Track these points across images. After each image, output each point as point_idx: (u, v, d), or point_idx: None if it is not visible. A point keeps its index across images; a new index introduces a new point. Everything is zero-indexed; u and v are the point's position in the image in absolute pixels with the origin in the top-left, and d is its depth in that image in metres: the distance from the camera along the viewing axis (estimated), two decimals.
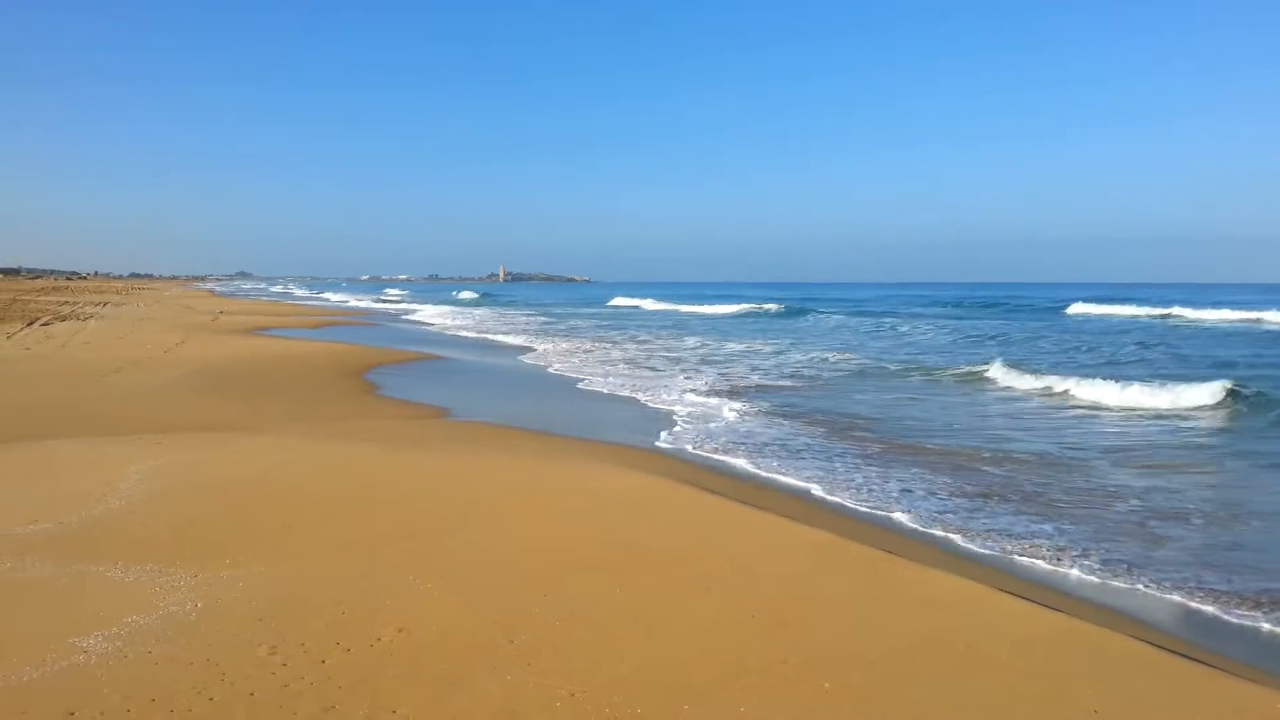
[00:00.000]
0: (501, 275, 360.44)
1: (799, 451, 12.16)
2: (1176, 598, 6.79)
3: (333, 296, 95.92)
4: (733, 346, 31.41)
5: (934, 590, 6.44)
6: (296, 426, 13.17)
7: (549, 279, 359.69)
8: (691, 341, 33.78)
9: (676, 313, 65.28)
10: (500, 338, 36.24)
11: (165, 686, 4.72)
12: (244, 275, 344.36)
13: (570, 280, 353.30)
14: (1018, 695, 4.80)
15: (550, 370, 23.22)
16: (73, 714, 4.42)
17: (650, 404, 16.77)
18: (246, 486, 9.08)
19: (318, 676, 4.88)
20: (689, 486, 9.62)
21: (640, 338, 36.29)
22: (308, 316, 49.37)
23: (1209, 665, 5.38)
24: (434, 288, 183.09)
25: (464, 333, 39.76)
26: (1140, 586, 7.03)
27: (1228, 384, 16.95)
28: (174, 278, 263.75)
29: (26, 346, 24.50)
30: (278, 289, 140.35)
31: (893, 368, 23.73)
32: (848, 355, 27.12)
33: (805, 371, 22.91)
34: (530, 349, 30.16)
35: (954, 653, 5.31)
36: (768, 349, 29.89)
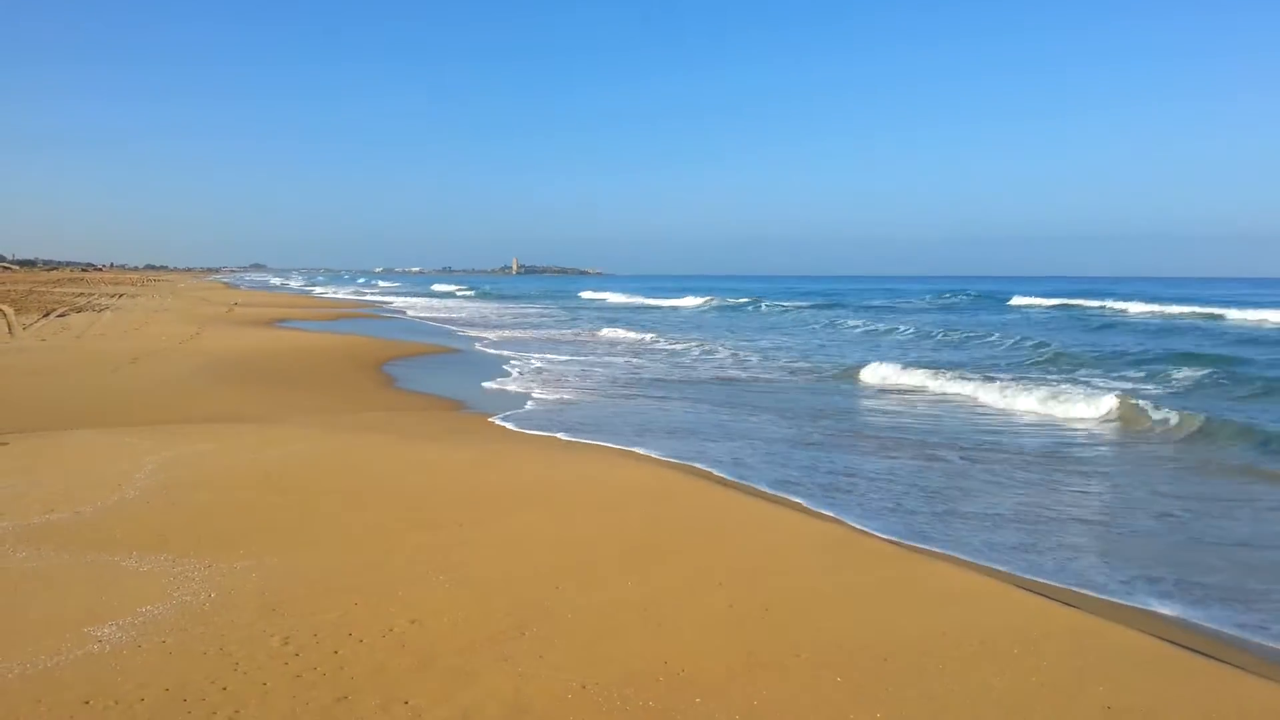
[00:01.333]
0: (515, 268, 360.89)
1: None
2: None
3: (317, 289, 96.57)
4: (633, 337, 32.25)
5: (947, 585, 6.42)
6: (310, 418, 13.22)
7: (562, 271, 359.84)
8: (607, 332, 35.18)
9: (629, 305, 65.82)
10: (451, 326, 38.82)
11: (179, 676, 4.74)
12: (258, 267, 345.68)
13: (584, 273, 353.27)
14: (1031, 691, 4.77)
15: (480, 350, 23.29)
16: (88, 703, 4.45)
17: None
18: (260, 477, 9.12)
19: (330, 667, 4.89)
20: (702, 480, 9.61)
21: (554, 331, 36.81)
22: (320, 309, 49.58)
23: (1224, 662, 5.34)
24: (423, 279, 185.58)
25: (430, 321, 42.79)
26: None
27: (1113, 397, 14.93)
28: (189, 269, 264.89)
29: (43, 338, 24.68)
30: (276, 281, 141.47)
31: (773, 364, 23.17)
32: (739, 352, 26.27)
33: (673, 374, 21.09)
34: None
35: (967, 648, 5.29)
36: (672, 345, 28.93)
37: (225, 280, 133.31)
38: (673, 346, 28.56)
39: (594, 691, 4.68)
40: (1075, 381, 18.77)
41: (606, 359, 24.59)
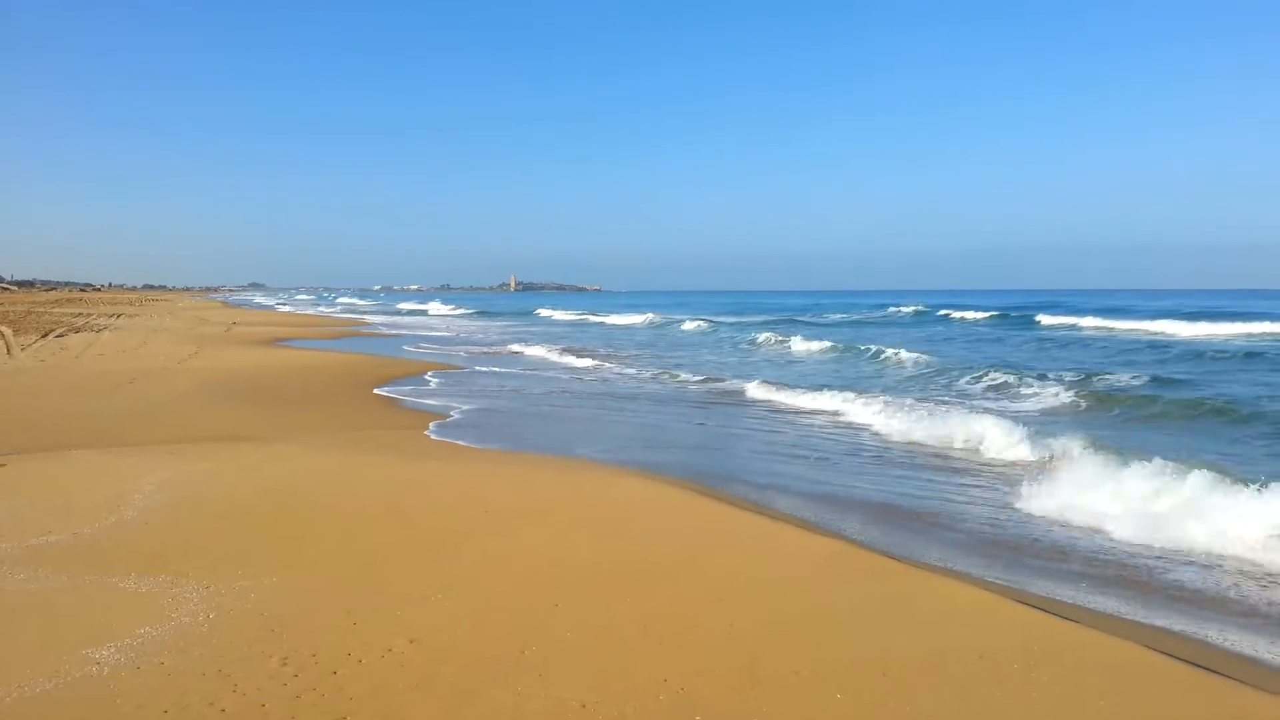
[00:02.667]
0: (513, 285, 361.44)
1: None
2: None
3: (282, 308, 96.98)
4: (539, 354, 32.47)
5: (947, 600, 6.41)
6: (308, 437, 13.21)
7: (560, 288, 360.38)
8: (515, 346, 36.48)
9: (573, 321, 67.09)
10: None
11: (177, 698, 4.73)
12: (256, 286, 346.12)
13: (582, 290, 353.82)
14: (1032, 707, 4.76)
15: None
16: None
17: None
18: (258, 497, 9.11)
19: (329, 687, 4.88)
20: (701, 496, 9.60)
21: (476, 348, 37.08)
22: (316, 327, 49.63)
23: (1225, 675, 5.32)
24: (401, 297, 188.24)
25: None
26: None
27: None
28: (187, 289, 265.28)
29: (41, 358, 24.67)
30: (273, 300, 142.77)
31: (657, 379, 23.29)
32: (631, 368, 26.25)
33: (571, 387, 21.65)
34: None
35: (967, 663, 5.28)
36: (574, 363, 28.95)
37: (223, 299, 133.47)
38: (579, 363, 28.68)
39: (594, 710, 4.67)
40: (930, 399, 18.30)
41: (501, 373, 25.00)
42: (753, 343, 38.84)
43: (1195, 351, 28.13)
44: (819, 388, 19.28)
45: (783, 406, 17.98)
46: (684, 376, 23.53)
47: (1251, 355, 26.49)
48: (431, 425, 14.82)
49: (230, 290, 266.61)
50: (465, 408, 17.20)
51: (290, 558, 7.16)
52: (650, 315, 65.33)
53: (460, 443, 13.21)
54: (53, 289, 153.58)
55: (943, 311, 62.22)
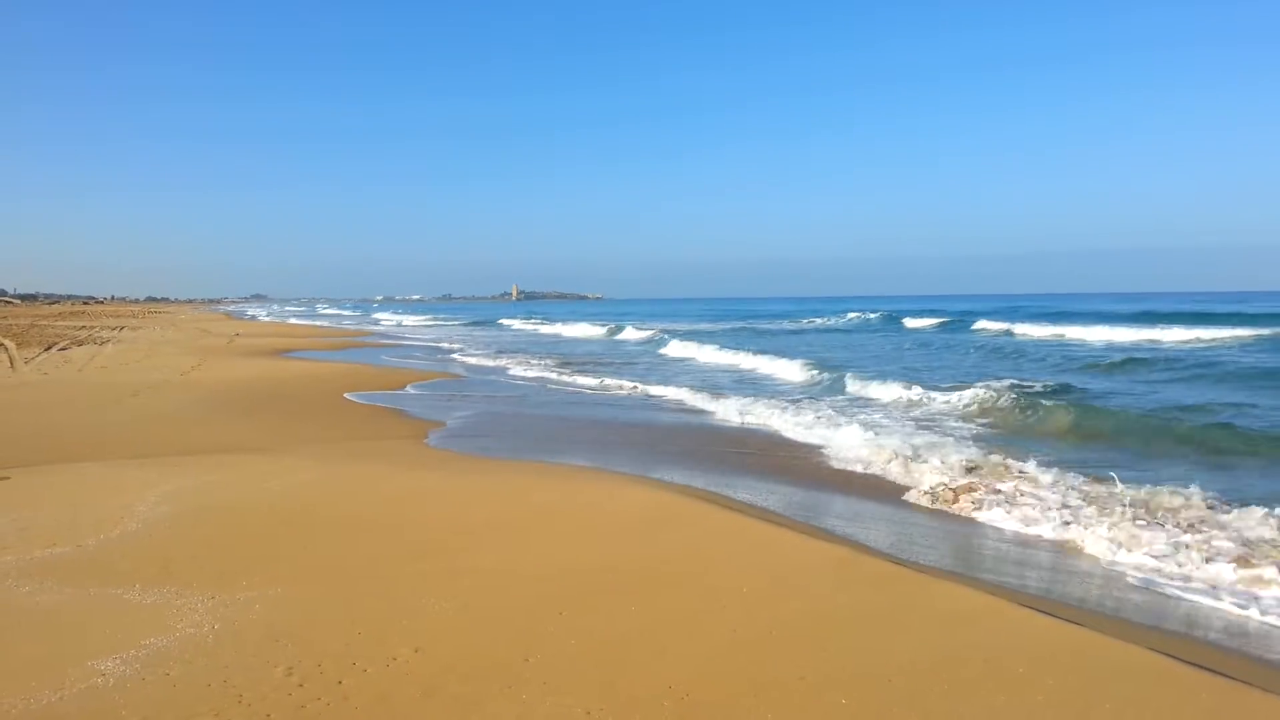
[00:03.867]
0: (514, 294, 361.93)
1: None
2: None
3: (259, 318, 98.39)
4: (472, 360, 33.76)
5: (951, 604, 6.41)
6: (312, 448, 13.23)
7: (561, 297, 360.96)
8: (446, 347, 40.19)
9: (526, 331, 67.75)
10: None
11: (183, 709, 4.73)
12: (259, 298, 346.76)
13: (583, 298, 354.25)
14: (1037, 710, 4.76)
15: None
16: None
17: None
18: (263, 508, 9.13)
19: (334, 697, 4.89)
20: (704, 502, 9.60)
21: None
22: (319, 338, 49.69)
23: (1229, 677, 5.32)
24: (422, 307, 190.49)
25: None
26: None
27: None
28: (190, 301, 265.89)
29: (45, 371, 24.72)
30: (255, 310, 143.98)
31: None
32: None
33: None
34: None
35: (973, 668, 5.28)
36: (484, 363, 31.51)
37: (226, 311, 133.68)
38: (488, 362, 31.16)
39: (599, 718, 4.67)
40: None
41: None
42: (659, 351, 40.30)
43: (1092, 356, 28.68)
44: (662, 381, 24.45)
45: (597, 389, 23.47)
46: (569, 377, 26.64)
47: (1135, 362, 26.05)
48: (430, 434, 14.84)
49: (232, 302, 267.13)
50: (463, 415, 17.22)
51: (294, 568, 7.17)
52: (609, 325, 64.98)
53: (459, 451, 13.23)
54: (56, 302, 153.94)
55: (908, 320, 62.41)
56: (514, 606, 6.30)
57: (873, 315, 70.53)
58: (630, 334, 55.32)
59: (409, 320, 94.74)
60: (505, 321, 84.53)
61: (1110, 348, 33.73)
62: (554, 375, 27.11)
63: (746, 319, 78.08)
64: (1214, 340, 34.91)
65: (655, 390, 22.59)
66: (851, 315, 71.84)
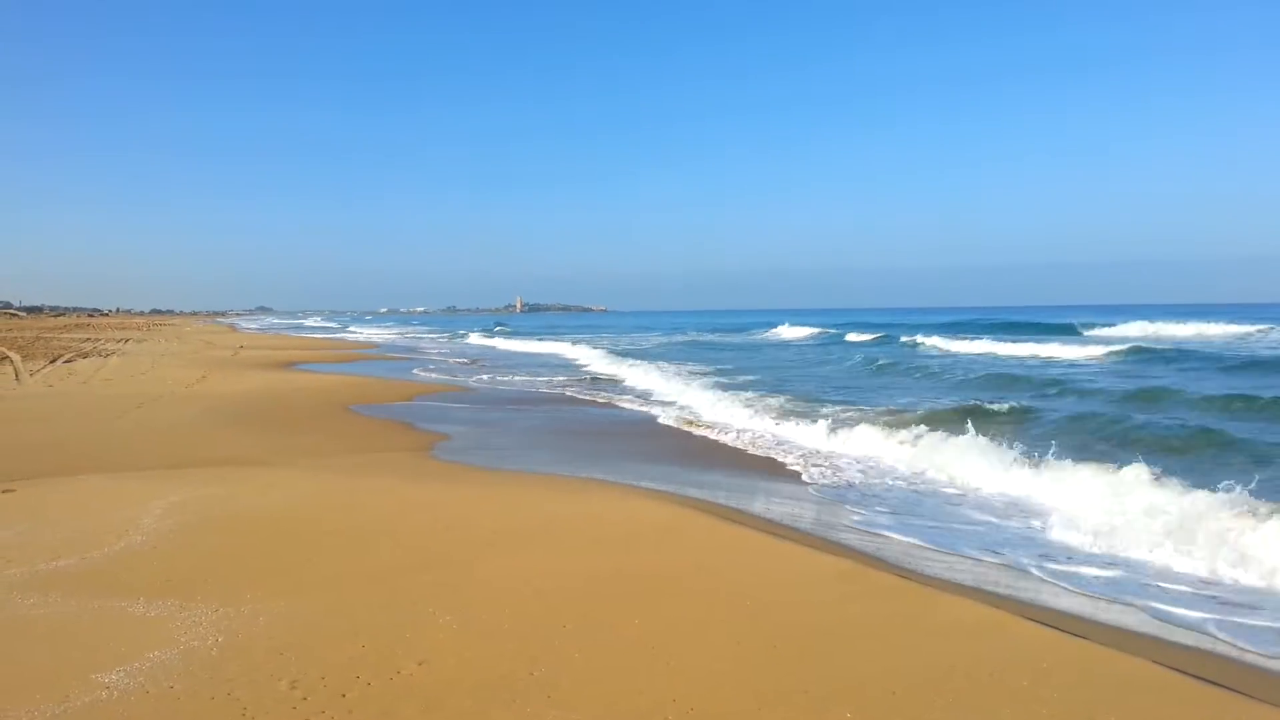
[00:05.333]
0: (519, 306, 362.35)
1: None
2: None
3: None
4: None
5: (955, 617, 6.40)
6: (316, 460, 13.25)
7: (565, 309, 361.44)
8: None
9: (485, 345, 67.39)
10: None
11: None
12: (264, 310, 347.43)
13: (587, 310, 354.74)
14: None
15: None
16: None
17: None
18: (267, 520, 9.14)
19: (338, 710, 4.88)
20: (708, 515, 9.60)
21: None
22: (326, 350, 49.78)
23: (1233, 690, 5.31)
24: (406, 320, 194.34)
25: None
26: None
27: None
28: (195, 313, 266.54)
29: (50, 384, 24.77)
30: (280, 322, 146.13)
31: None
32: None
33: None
34: None
35: (977, 681, 5.27)
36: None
37: (231, 323, 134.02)
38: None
39: None
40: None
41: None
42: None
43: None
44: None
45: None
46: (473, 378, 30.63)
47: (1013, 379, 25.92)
48: (434, 445, 14.85)
49: (237, 314, 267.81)
50: (463, 428, 17.23)
51: (299, 580, 7.17)
52: (568, 341, 63.20)
53: (462, 463, 13.24)
54: (61, 314, 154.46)
55: (851, 335, 61.24)
56: (518, 619, 6.30)
57: (828, 330, 69.30)
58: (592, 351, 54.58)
59: (371, 330, 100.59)
60: (462, 332, 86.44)
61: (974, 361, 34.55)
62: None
63: (708, 331, 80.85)
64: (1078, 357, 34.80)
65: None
66: (809, 331, 70.29)
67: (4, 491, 10.38)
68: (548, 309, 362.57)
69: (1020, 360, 34.53)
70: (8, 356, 34.97)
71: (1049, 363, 32.69)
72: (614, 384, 28.27)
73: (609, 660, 5.59)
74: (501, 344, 61.14)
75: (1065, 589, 7.54)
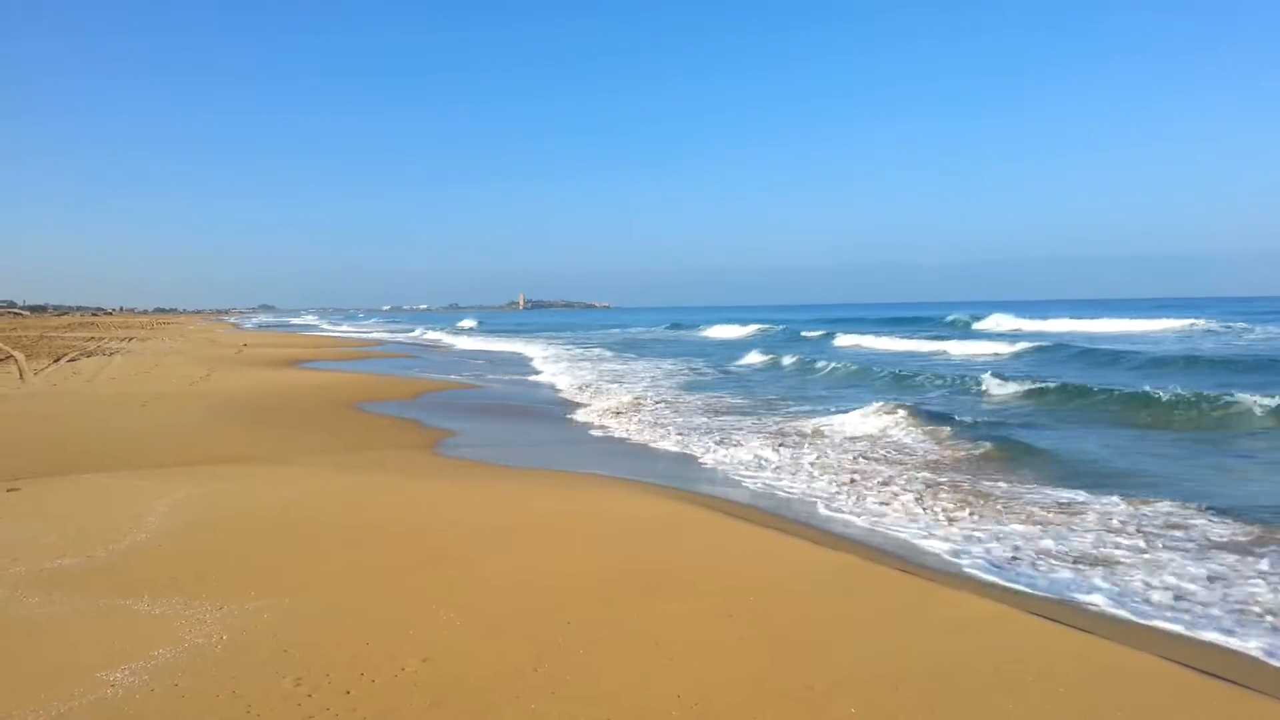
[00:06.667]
0: (521, 303, 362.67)
1: None
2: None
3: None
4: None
5: (959, 612, 6.39)
6: (320, 458, 13.26)
7: (568, 305, 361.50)
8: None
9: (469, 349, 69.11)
10: None
11: None
12: (266, 308, 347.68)
13: (590, 306, 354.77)
14: (1047, 718, 4.74)
15: None
16: None
17: None
18: (271, 518, 9.15)
19: (343, 708, 4.89)
20: (710, 511, 9.60)
21: None
22: (326, 347, 49.83)
23: (1239, 684, 5.30)
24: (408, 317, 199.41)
25: None
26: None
27: None
28: (198, 312, 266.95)
29: (54, 383, 24.81)
30: (283, 321, 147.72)
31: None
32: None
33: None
34: None
35: (981, 676, 5.26)
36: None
37: (234, 321, 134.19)
38: None
39: None
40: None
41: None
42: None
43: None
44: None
45: None
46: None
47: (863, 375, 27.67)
48: (437, 442, 14.86)
49: (240, 312, 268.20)
50: (466, 424, 17.24)
51: (303, 578, 7.18)
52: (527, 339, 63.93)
53: (466, 459, 13.25)
54: (65, 314, 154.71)
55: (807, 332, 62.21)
56: (522, 615, 6.30)
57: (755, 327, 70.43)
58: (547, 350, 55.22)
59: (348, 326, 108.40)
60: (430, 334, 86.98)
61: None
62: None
63: (676, 328, 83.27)
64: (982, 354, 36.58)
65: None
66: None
67: (9, 490, 10.40)
68: (550, 305, 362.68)
69: (925, 356, 37.14)
70: (12, 355, 35.03)
71: (942, 361, 34.62)
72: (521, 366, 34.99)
73: (613, 656, 5.59)
74: (459, 341, 62.58)
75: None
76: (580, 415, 19.33)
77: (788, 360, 32.84)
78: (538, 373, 32.23)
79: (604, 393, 23.61)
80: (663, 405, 20.44)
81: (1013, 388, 21.47)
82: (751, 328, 66.30)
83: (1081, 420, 17.50)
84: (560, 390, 25.33)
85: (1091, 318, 62.10)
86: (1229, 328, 47.44)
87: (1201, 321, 51.66)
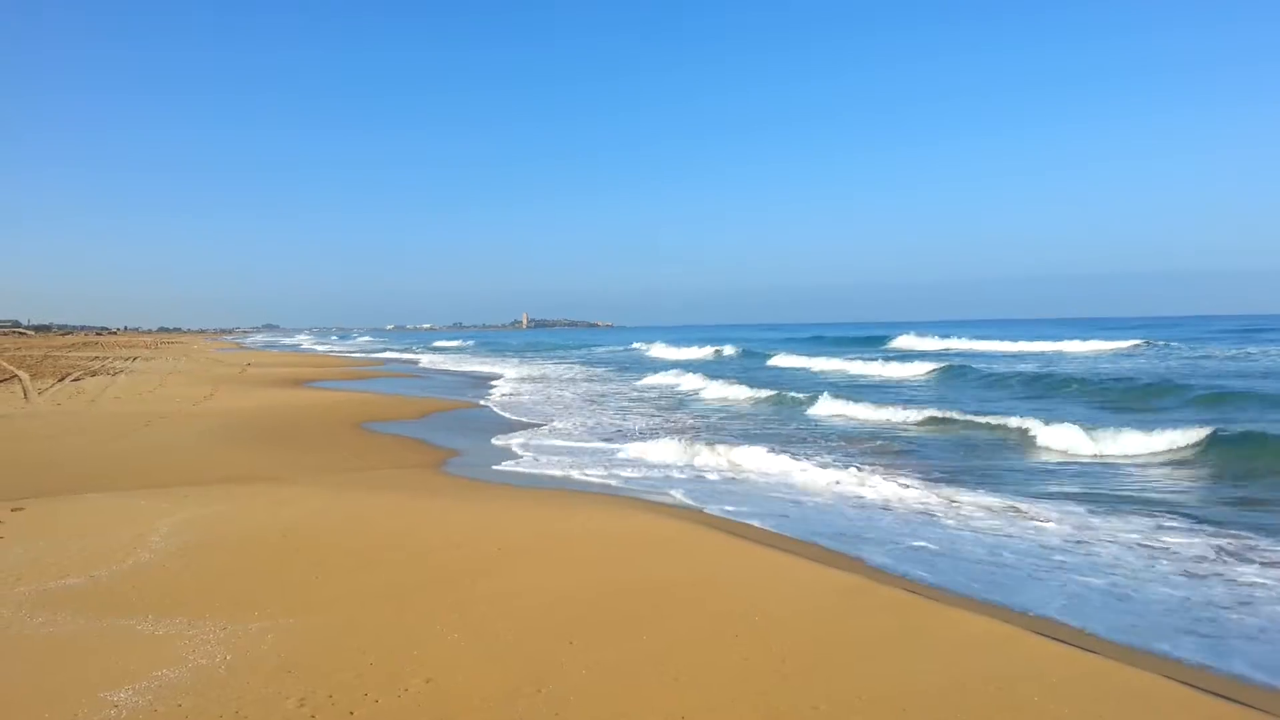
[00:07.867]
0: (525, 322, 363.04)
1: None
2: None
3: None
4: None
5: (964, 632, 6.37)
6: (323, 477, 13.26)
7: (571, 324, 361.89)
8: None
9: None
10: None
11: None
12: (270, 327, 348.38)
13: (593, 325, 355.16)
14: None
15: None
16: None
17: None
18: (274, 538, 9.15)
19: None
20: (713, 530, 9.59)
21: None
22: (329, 367, 49.89)
23: (1243, 704, 5.27)
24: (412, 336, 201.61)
25: None
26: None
27: None
28: (202, 331, 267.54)
29: (58, 402, 24.86)
30: (288, 340, 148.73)
31: None
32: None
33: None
34: None
35: (986, 695, 5.24)
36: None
37: (238, 341, 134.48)
38: None
39: None
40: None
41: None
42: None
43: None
44: None
45: None
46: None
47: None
48: (441, 461, 14.86)
49: (244, 332, 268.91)
50: (469, 442, 17.25)
51: (306, 598, 7.18)
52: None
53: (468, 478, 13.25)
54: (69, 333, 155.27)
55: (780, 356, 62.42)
56: (525, 635, 6.29)
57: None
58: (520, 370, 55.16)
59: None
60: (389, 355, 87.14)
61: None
62: None
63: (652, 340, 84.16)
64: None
65: None
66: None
67: (13, 510, 10.41)
68: (554, 324, 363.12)
69: (852, 376, 37.50)
70: (16, 375, 35.12)
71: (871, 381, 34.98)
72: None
73: (616, 676, 5.57)
74: (426, 359, 64.18)
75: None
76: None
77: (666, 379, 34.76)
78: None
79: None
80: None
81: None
82: (694, 349, 65.53)
83: None
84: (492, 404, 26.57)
85: (1013, 340, 62.20)
86: (1168, 347, 48.30)
87: (1142, 343, 51.70)
